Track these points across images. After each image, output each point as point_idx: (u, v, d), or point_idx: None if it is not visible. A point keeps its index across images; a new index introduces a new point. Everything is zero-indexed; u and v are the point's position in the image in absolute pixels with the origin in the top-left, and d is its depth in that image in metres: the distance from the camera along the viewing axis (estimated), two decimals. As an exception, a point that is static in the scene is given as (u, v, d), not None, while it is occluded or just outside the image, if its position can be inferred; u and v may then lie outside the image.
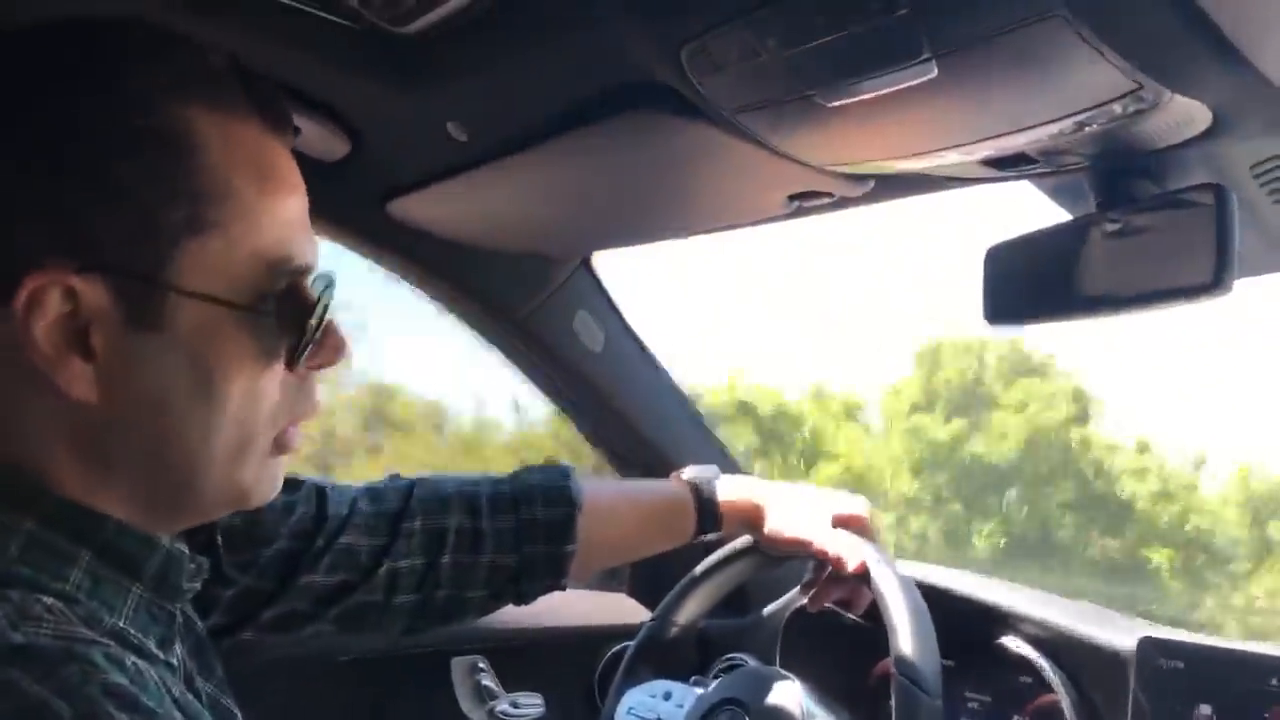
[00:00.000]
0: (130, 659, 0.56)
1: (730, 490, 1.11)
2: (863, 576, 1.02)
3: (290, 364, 0.65)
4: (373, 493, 0.98)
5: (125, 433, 0.61)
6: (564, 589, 1.05)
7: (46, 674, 0.50)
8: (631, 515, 1.11)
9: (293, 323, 0.64)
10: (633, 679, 1.20)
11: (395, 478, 1.02)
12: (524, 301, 1.42)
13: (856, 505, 1.08)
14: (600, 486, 1.11)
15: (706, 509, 1.09)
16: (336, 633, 0.95)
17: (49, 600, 0.55)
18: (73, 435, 0.60)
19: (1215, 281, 0.75)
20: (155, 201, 0.58)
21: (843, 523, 1.07)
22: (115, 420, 0.60)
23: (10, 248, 0.57)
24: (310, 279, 0.65)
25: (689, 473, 1.12)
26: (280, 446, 0.67)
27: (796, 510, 1.09)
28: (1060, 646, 1.10)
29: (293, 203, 0.64)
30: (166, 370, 0.60)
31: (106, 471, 0.61)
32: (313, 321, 0.64)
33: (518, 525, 1.00)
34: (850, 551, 1.03)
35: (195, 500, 0.65)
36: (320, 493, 0.93)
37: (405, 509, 0.97)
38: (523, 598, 1.03)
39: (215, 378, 0.61)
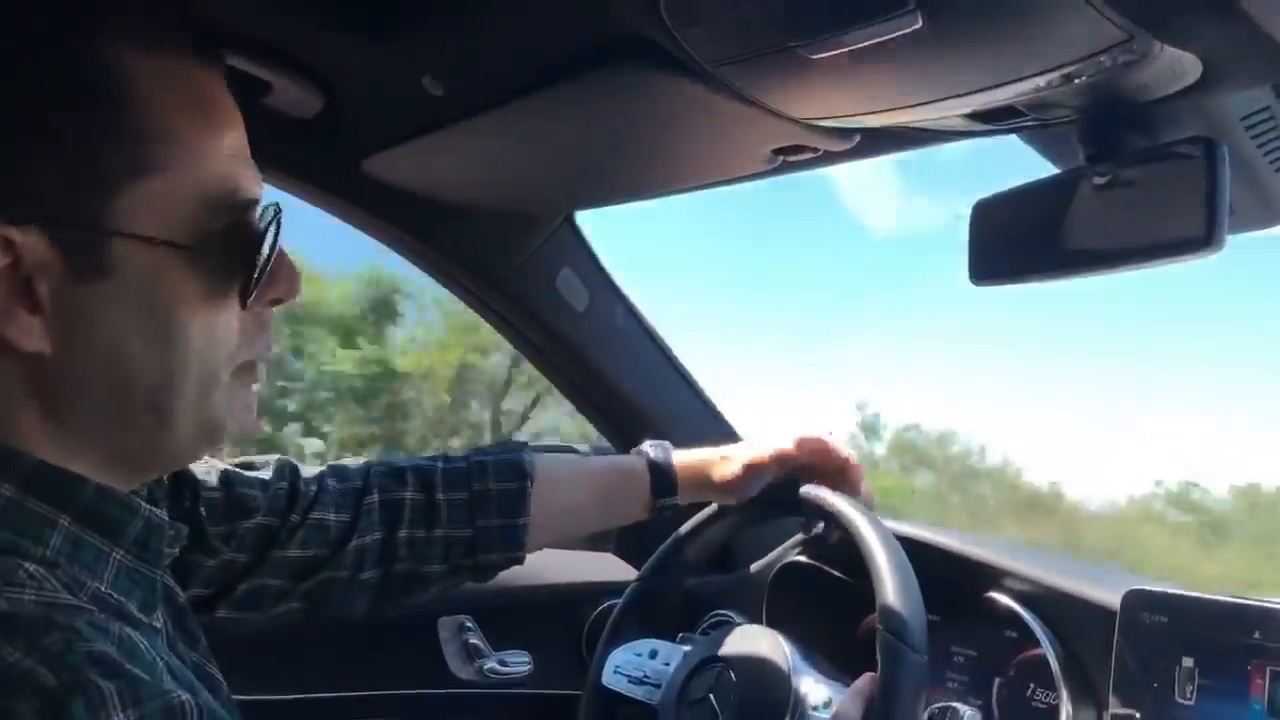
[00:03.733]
0: (115, 625, 0.56)
1: (686, 454, 1.13)
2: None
3: (243, 300, 0.63)
4: (337, 471, 0.99)
5: (86, 382, 0.60)
6: (522, 562, 1.05)
7: (30, 643, 0.50)
8: (584, 484, 1.13)
9: (241, 259, 0.62)
10: (619, 639, 1.20)
11: None
12: (505, 260, 1.41)
13: (819, 431, 1.12)
14: (554, 459, 1.12)
15: (660, 472, 1.11)
16: (304, 610, 0.96)
17: (31, 566, 0.55)
18: (35, 391, 0.59)
19: (1207, 237, 0.74)
20: (92, 148, 0.57)
21: (809, 447, 1.11)
22: (74, 370, 0.59)
23: None
24: (256, 212, 0.64)
25: (646, 446, 1.14)
26: (246, 377, 0.67)
27: (752, 444, 1.13)
28: (1046, 601, 1.10)
29: (232, 135, 0.63)
30: (118, 316, 0.59)
31: (76, 429, 0.60)
32: (261, 257, 0.63)
33: (471, 498, 1.01)
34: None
35: (170, 442, 0.64)
36: (293, 469, 0.95)
37: (365, 485, 0.98)
38: (480, 571, 1.04)
39: (170, 320, 0.60)
